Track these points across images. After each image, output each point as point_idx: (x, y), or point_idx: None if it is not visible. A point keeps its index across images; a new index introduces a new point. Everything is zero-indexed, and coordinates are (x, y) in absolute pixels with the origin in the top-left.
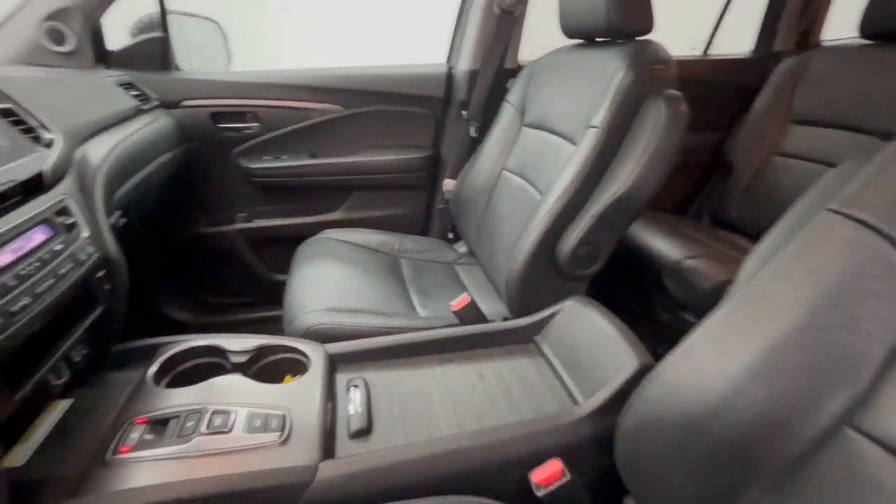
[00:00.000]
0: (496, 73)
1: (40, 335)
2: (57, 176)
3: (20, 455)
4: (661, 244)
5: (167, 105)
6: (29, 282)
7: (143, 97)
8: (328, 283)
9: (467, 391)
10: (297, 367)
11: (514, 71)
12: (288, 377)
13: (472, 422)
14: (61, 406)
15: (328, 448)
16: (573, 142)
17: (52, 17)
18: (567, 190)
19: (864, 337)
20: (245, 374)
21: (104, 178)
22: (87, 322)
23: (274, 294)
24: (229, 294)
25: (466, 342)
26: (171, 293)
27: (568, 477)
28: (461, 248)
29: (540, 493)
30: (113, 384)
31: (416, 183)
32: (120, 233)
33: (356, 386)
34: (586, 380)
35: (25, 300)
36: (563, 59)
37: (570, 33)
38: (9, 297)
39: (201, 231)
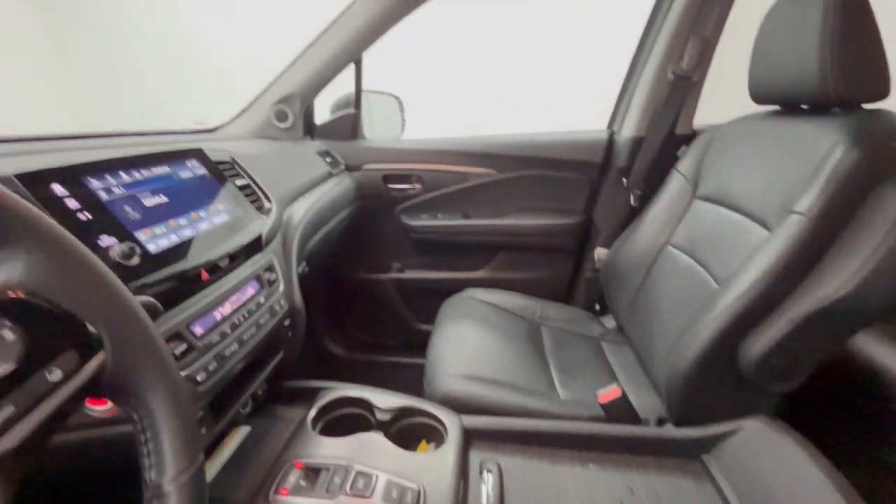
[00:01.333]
0: (665, 140)
1: (236, 378)
2: (270, 237)
3: (210, 470)
4: (886, 355)
5: (350, 168)
6: (238, 330)
7: (334, 163)
8: (469, 346)
9: (618, 501)
10: (433, 433)
11: (687, 138)
12: (423, 443)
13: None
14: (242, 431)
15: None
16: (765, 226)
17: (280, 101)
18: (758, 283)
19: None
20: (386, 433)
21: (299, 234)
22: (272, 365)
23: (417, 342)
24: (379, 336)
25: (616, 445)
26: (330, 329)
27: None
28: (609, 322)
29: None
30: (281, 418)
31: (563, 248)
32: (301, 280)
33: (490, 471)
34: None
35: (234, 346)
36: (753, 128)
37: (763, 98)
38: (224, 343)
39: (361, 277)
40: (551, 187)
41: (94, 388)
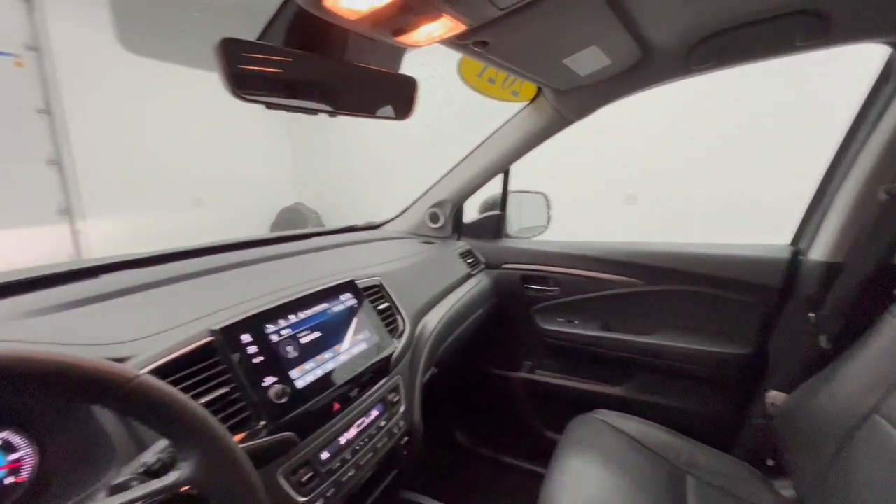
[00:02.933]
0: (876, 271)
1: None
2: (399, 359)
3: None
4: None
5: (490, 266)
6: (357, 455)
7: (475, 263)
8: (591, 485)
9: None
10: None
11: None
12: None
13: None
14: None
15: None
16: None
17: (434, 205)
18: None
19: None
20: None
21: (430, 343)
22: (386, 482)
23: (541, 448)
24: (504, 433)
25: None
26: (458, 418)
27: None
28: (785, 489)
29: None
30: None
31: (724, 381)
32: (427, 384)
33: None
34: None
35: (351, 472)
36: None
37: None
38: (343, 469)
39: (493, 371)
40: (711, 307)
41: None
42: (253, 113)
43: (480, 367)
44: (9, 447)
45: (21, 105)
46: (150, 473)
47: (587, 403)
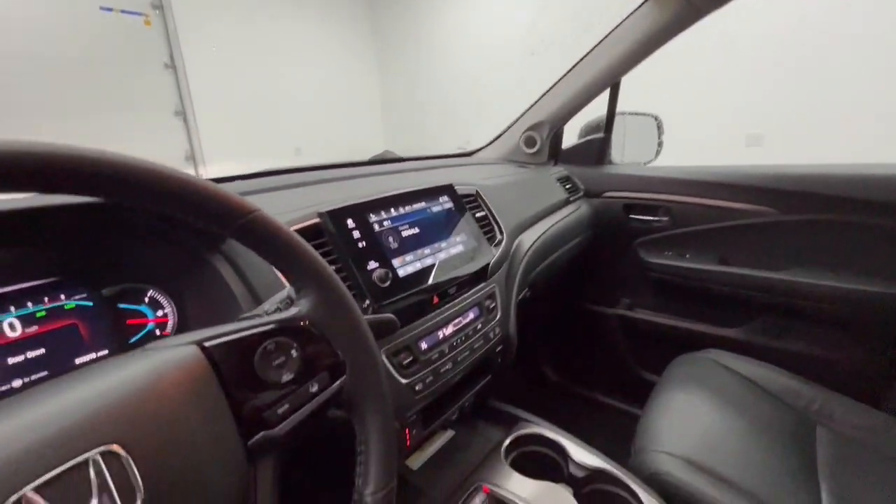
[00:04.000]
0: None
1: (448, 392)
2: (496, 268)
3: (417, 461)
4: None
5: (590, 195)
6: (454, 351)
7: (573, 189)
8: (699, 423)
9: None
10: None
11: None
12: None
13: None
14: (446, 435)
15: None
16: None
17: (531, 128)
18: None
19: None
20: (576, 492)
21: (525, 262)
22: (479, 385)
23: (634, 390)
24: (593, 371)
25: None
26: (548, 354)
27: None
28: None
29: None
30: (481, 434)
31: (869, 327)
32: (522, 304)
33: None
34: None
35: (449, 365)
36: None
37: None
38: (441, 360)
39: (586, 306)
40: (864, 240)
41: (336, 402)
42: (347, 64)
43: (574, 302)
44: (156, 304)
45: (151, 60)
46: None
47: (694, 345)
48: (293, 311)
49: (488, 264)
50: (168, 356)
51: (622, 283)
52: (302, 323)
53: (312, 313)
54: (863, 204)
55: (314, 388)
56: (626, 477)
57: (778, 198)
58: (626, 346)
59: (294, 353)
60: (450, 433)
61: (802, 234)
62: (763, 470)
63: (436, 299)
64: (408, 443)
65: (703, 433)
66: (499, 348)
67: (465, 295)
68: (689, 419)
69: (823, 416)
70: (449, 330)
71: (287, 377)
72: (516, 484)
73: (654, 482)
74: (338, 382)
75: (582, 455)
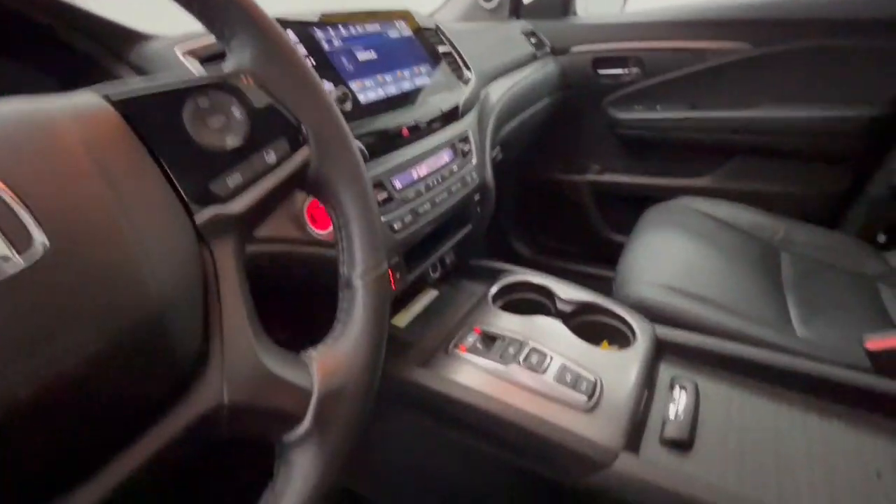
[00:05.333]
0: None
1: (427, 239)
2: (466, 109)
3: (404, 319)
4: None
5: (557, 52)
6: (431, 192)
7: (539, 44)
8: (675, 257)
9: (862, 475)
10: (617, 336)
11: None
12: (605, 343)
13: None
14: (430, 294)
15: (632, 440)
16: None
17: None
18: None
19: None
20: (566, 324)
21: (496, 115)
22: (460, 235)
23: (607, 254)
24: (566, 241)
25: (873, 402)
26: (517, 228)
27: None
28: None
29: None
30: (465, 290)
31: (839, 153)
32: (494, 166)
33: (684, 388)
34: None
35: (427, 206)
36: None
37: None
38: (418, 200)
39: (555, 177)
40: (837, 65)
41: (301, 181)
42: None
43: (543, 173)
44: None
45: None
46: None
47: (666, 200)
48: (228, 63)
49: (459, 103)
50: (60, 103)
51: (592, 149)
52: (243, 79)
53: (252, 66)
54: (843, 24)
55: (271, 158)
56: (615, 305)
57: (753, 30)
58: (598, 212)
59: (237, 113)
60: (434, 292)
61: (777, 68)
62: (736, 289)
63: (405, 132)
64: (392, 284)
65: (679, 264)
66: (477, 196)
67: (438, 133)
68: (666, 254)
69: (787, 242)
70: (423, 170)
71: (233, 142)
72: (507, 322)
73: (640, 308)
74: (300, 154)
75: (569, 293)
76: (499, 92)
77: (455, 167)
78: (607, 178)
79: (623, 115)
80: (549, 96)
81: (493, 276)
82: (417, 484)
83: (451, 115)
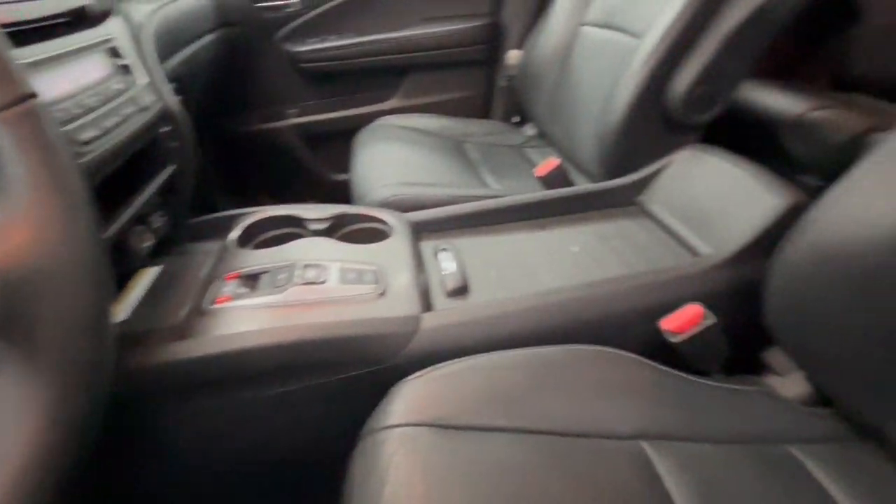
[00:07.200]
0: None
1: (118, 185)
2: (100, 10)
3: (121, 312)
4: (776, 100)
5: None
6: (93, 114)
7: None
8: (396, 161)
9: (567, 254)
10: (378, 236)
11: None
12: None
13: (579, 278)
14: (151, 272)
15: (426, 303)
16: None
17: None
18: (676, 23)
19: None
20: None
21: (153, 37)
22: (161, 178)
23: (334, 195)
24: (289, 196)
25: (558, 206)
26: (231, 194)
27: (711, 320)
28: (529, 131)
29: (675, 340)
30: (197, 252)
31: (474, 58)
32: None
33: (445, 250)
34: (713, 230)
35: (93, 132)
36: None
37: None
38: (75, 124)
39: (255, 129)
40: None
41: None
42: None
43: (242, 128)
44: None
45: None
46: None
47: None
48: None
49: (84, 4)
50: None
51: (285, 93)
52: None
53: None
54: None
55: None
56: (365, 209)
57: None
58: (310, 154)
59: None
60: (155, 269)
61: None
62: (448, 172)
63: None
64: None
65: (401, 165)
66: (165, 129)
67: (64, 39)
68: (387, 161)
69: (467, 136)
70: (66, 86)
71: None
72: (265, 257)
73: (385, 206)
74: None
75: (316, 213)
76: (145, 11)
77: (118, 85)
78: (308, 118)
79: (297, 48)
80: (210, 34)
81: (228, 224)
82: (240, 463)
83: (79, 21)
